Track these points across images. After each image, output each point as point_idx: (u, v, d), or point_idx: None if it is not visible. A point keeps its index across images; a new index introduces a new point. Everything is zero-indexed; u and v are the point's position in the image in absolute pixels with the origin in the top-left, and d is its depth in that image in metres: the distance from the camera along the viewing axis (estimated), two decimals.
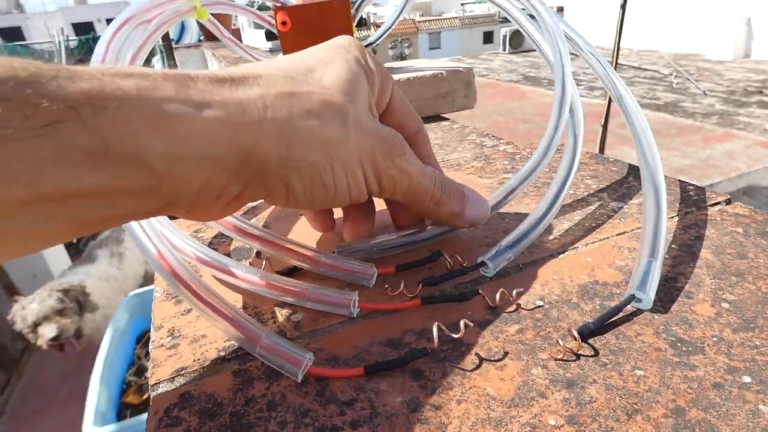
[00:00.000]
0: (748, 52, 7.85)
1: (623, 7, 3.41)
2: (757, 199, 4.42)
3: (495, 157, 0.55)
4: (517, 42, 10.95)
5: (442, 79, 0.74)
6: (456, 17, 24.07)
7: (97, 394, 1.89)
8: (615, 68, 2.83)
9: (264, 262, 0.36)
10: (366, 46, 0.78)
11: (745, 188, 4.41)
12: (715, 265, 0.30)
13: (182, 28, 3.68)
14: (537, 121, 6.04)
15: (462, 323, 0.25)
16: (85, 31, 15.20)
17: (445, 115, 0.76)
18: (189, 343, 0.29)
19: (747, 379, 0.22)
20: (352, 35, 0.73)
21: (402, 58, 22.30)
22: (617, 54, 3.34)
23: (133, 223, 0.31)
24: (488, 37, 23.73)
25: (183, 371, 0.26)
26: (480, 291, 0.29)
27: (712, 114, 5.59)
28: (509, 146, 0.59)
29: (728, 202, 0.39)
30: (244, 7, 0.68)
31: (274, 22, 0.71)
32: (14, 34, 19.86)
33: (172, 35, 3.52)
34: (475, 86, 0.77)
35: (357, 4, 0.75)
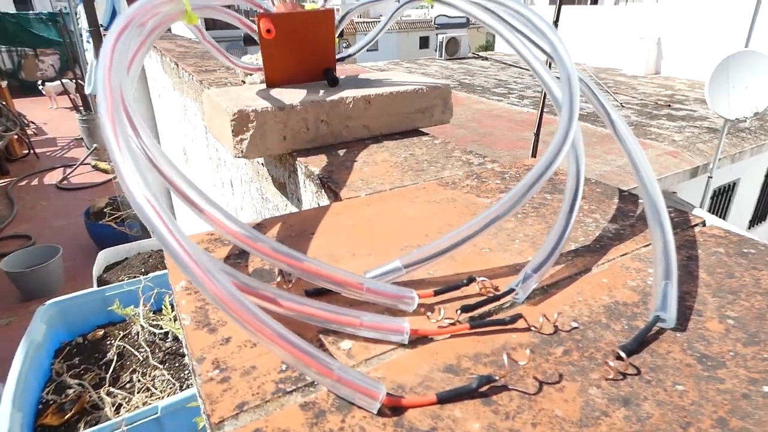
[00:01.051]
0: (658, 69, 8.66)
1: (555, 23, 3.64)
2: (667, 203, 4.91)
3: (486, 175, 0.58)
4: (452, 49, 11.29)
5: (422, 95, 0.76)
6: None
7: (9, 417, 1.68)
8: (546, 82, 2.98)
9: (290, 284, 0.36)
10: (344, 58, 0.78)
11: None
12: (712, 284, 0.35)
13: (113, 13, 3.41)
14: (471, 127, 6.28)
15: (527, 351, 0.27)
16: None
17: (423, 129, 0.79)
18: (240, 375, 0.28)
19: (766, 388, 0.26)
20: (334, 45, 0.73)
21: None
22: (550, 66, 3.56)
23: (176, 246, 0.30)
24: (424, 42, 24.29)
25: (245, 407, 0.26)
26: (522, 315, 0.31)
27: (628, 124, 6.13)
28: (495, 164, 0.62)
29: (704, 224, 0.44)
30: (230, 12, 0.66)
31: (256, 28, 0.70)
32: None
33: (101, 20, 3.26)
34: (452, 102, 0.80)
35: (342, 16, 0.75)
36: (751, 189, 6.40)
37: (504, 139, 5.50)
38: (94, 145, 6.67)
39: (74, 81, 8.05)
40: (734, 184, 6.12)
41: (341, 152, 0.68)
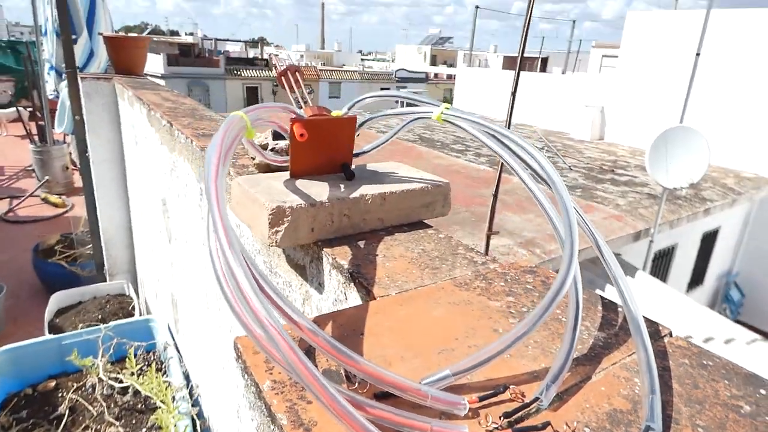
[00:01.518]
0: (602, 135, 9.42)
1: (513, 94, 3.94)
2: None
3: (491, 276, 0.69)
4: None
5: (427, 192, 0.87)
6: (356, 71, 25.36)
7: None
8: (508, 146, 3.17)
9: (355, 386, 0.43)
10: (360, 154, 0.89)
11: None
12: (683, 394, 0.46)
13: (90, 54, 3.43)
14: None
15: None
16: None
17: (427, 222, 0.89)
18: None
19: None
20: (352, 145, 0.84)
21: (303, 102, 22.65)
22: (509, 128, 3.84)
23: (293, 357, 0.37)
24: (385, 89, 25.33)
25: None
26: (550, 423, 0.40)
27: (576, 187, 6.59)
28: (496, 265, 0.73)
29: (671, 334, 0.56)
30: (274, 122, 0.75)
31: (289, 130, 0.79)
32: None
33: (79, 62, 3.26)
34: (451, 198, 0.92)
35: (361, 122, 0.86)
36: (688, 253, 6.95)
37: (462, 194, 5.77)
38: (46, 177, 6.41)
39: (29, 110, 7.78)
40: (673, 248, 6.63)
41: (361, 244, 0.77)
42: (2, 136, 9.34)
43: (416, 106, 0.77)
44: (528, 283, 0.68)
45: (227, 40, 34.04)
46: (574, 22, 10.41)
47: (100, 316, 2.83)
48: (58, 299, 3.00)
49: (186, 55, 23.86)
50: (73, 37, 3.09)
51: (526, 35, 3.46)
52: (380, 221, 0.83)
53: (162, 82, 21.55)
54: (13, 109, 8.81)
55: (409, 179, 0.89)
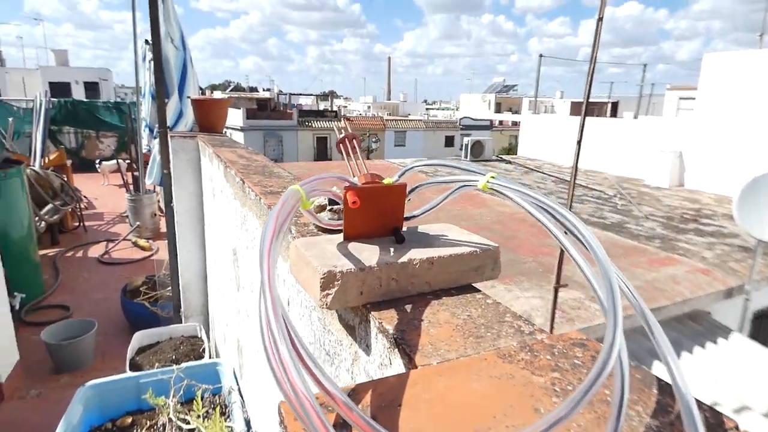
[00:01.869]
0: (682, 182, 8.82)
1: (579, 142, 3.86)
2: (702, 325, 4.76)
3: (537, 348, 0.68)
4: (477, 151, 11.82)
5: (476, 256, 0.88)
6: (421, 120, 26.09)
7: None
8: (573, 190, 3.13)
9: None
10: (410, 218, 0.92)
11: (690, 313, 4.76)
12: None
13: (179, 114, 3.84)
14: (496, 230, 6.43)
15: None
16: (63, 92, 15.34)
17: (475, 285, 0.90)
18: None
19: None
20: (403, 210, 0.88)
21: (369, 151, 23.54)
22: (575, 178, 3.71)
23: None
24: (449, 141, 25.66)
25: None
26: None
27: (654, 237, 6.17)
28: (543, 335, 0.72)
29: (737, 428, 0.52)
30: (327, 191, 0.81)
31: (342, 197, 0.85)
32: None
33: (169, 122, 3.66)
34: (500, 262, 0.92)
35: (411, 189, 0.90)
36: None
37: (528, 243, 5.58)
38: (137, 223, 7.06)
39: (127, 162, 8.74)
40: None
41: (408, 307, 0.79)
42: (104, 185, 10.53)
43: (463, 174, 0.80)
44: (576, 358, 0.66)
45: (300, 94, 36.57)
46: (645, 65, 10.10)
47: (173, 357, 3.01)
48: (139, 338, 3.24)
49: (263, 109, 25.87)
50: (166, 100, 3.49)
51: (591, 81, 3.42)
52: (428, 285, 0.84)
53: (241, 133, 23.46)
54: (115, 161, 9.97)
55: (458, 242, 0.91)
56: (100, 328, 4.23)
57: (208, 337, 3.36)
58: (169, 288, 4.19)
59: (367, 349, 0.79)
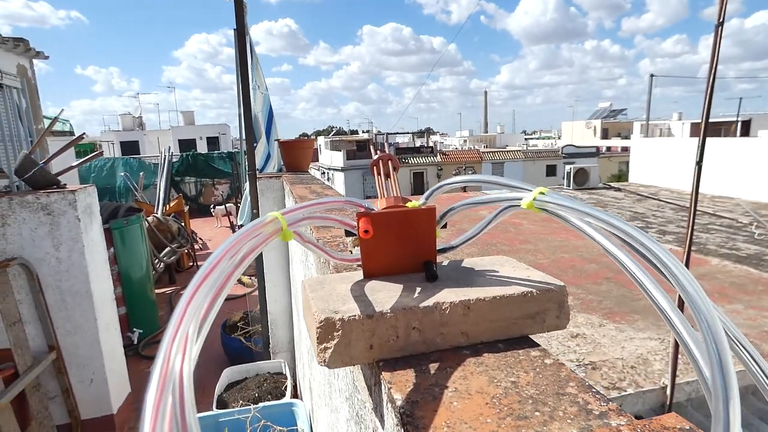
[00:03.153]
0: None
1: (699, 164, 3.33)
2: None
3: None
4: (581, 179, 11.01)
5: (531, 299, 0.67)
6: (519, 150, 25.16)
7: None
8: (692, 218, 2.60)
9: None
10: (446, 249, 0.74)
11: None
12: None
13: (267, 157, 4.03)
14: (603, 262, 5.74)
15: None
16: (189, 147, 17.56)
17: (532, 337, 0.68)
18: None
19: None
20: (434, 240, 0.70)
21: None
22: (695, 203, 3.19)
23: None
24: (551, 170, 24.32)
25: None
26: None
27: None
28: (622, 419, 0.48)
29: None
30: (328, 217, 0.68)
31: (356, 225, 0.70)
32: (132, 147, 23.60)
33: (258, 165, 3.85)
34: (568, 306, 0.69)
35: (444, 212, 0.73)
36: None
37: None
38: None
39: (236, 204, 9.50)
40: None
41: (432, 367, 0.60)
42: (218, 228, 11.56)
43: (503, 190, 0.61)
44: None
45: (397, 133, 37.64)
46: None
47: (257, 394, 3.00)
48: (228, 375, 3.31)
49: (362, 150, 27.00)
50: (255, 144, 3.69)
51: (711, 94, 2.94)
52: (465, 336, 0.65)
53: (342, 173, 24.58)
54: (224, 206, 10.97)
55: (509, 280, 0.70)
56: (201, 362, 4.45)
57: (293, 375, 3.33)
58: (261, 323, 4.31)
59: (382, 420, 0.61)
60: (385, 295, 0.67)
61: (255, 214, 3.71)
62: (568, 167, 10.87)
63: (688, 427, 0.47)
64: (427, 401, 0.53)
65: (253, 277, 7.46)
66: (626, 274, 0.48)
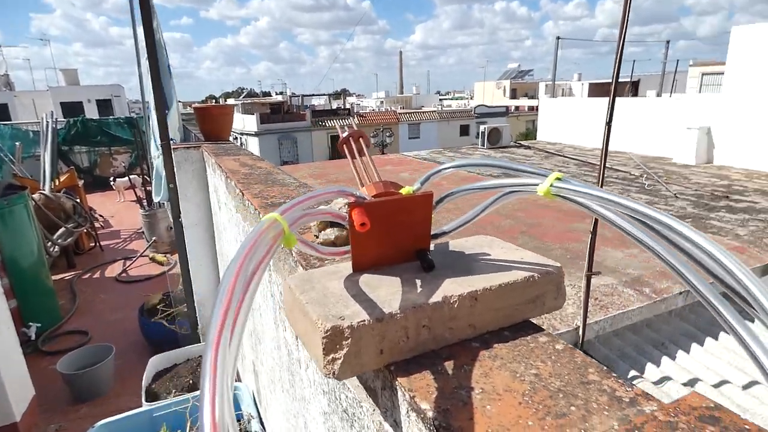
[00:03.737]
0: (710, 158, 8.40)
1: (609, 123, 3.57)
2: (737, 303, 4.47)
3: (650, 431, 0.45)
4: (495, 138, 11.52)
5: (533, 283, 0.65)
6: (435, 111, 25.65)
7: None
8: (603, 172, 2.82)
9: None
10: (439, 235, 0.70)
11: (723, 292, 4.47)
12: None
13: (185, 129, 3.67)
14: (518, 217, 6.14)
15: None
16: (75, 112, 15.41)
17: (534, 321, 0.67)
18: None
19: None
20: (429, 227, 0.65)
21: (383, 146, 23.24)
22: (605, 160, 3.46)
23: None
24: (464, 130, 25.17)
25: None
26: None
27: (685, 217, 5.80)
28: (652, 403, 0.49)
29: None
30: (325, 212, 0.60)
31: (347, 217, 0.63)
32: (0, 111, 19.70)
33: (172, 134, 3.50)
34: (565, 286, 0.69)
35: (440, 197, 0.68)
36: None
37: (553, 230, 5.28)
38: (153, 238, 6.98)
39: (141, 176, 8.68)
40: None
41: (448, 366, 0.57)
42: (120, 202, 10.52)
43: (514, 176, 0.57)
44: None
45: (312, 94, 36.30)
46: (668, 42, 9.61)
47: (191, 381, 2.84)
48: (155, 363, 3.08)
49: (276, 113, 25.80)
50: (166, 111, 3.32)
51: (621, 59, 3.13)
52: (472, 328, 0.62)
53: (256, 138, 23.41)
54: (127, 178, 9.96)
55: (506, 264, 0.68)
56: (119, 351, 4.11)
57: None
58: (185, 304, 4.05)
59: (396, 426, 0.57)
60: (386, 291, 0.61)
61: (173, 189, 3.40)
62: (482, 127, 11.30)
63: (712, 405, 0.48)
64: (458, 408, 0.50)
65: (168, 255, 6.97)
66: (661, 263, 0.47)
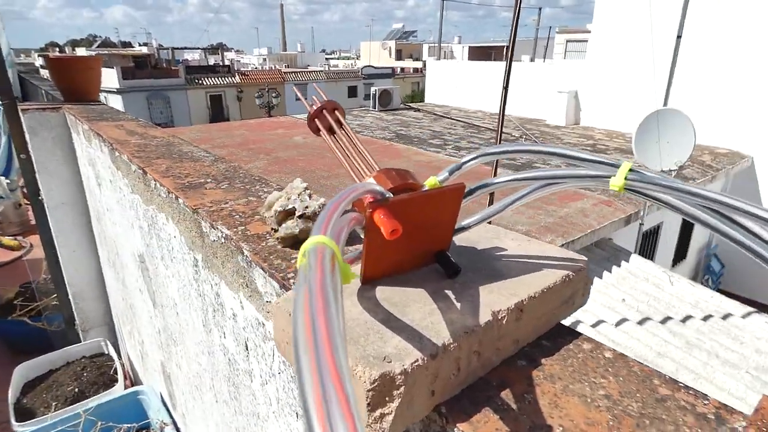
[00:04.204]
0: (577, 120, 9.37)
1: (505, 88, 3.70)
2: (606, 251, 5.14)
3: None
4: (385, 100, 11.53)
5: (569, 283, 0.58)
6: (322, 71, 24.77)
7: None
8: (501, 134, 2.96)
9: None
10: (458, 231, 0.59)
11: (597, 241, 5.10)
12: None
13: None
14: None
15: None
16: None
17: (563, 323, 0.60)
18: None
19: None
20: (453, 228, 0.54)
21: (269, 107, 21.96)
22: (502, 124, 3.62)
23: None
24: (352, 92, 24.81)
25: None
26: None
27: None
28: (737, 417, 0.44)
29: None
30: (356, 219, 0.45)
31: (365, 219, 0.49)
32: None
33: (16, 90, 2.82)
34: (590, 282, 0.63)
35: (473, 189, 0.56)
36: (672, 231, 6.96)
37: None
38: None
39: None
40: (659, 227, 6.62)
41: (507, 398, 0.47)
42: None
43: (573, 165, 0.48)
44: None
45: (185, 48, 32.63)
46: (540, 9, 10.28)
47: (77, 389, 2.42)
48: (23, 372, 2.57)
49: (142, 67, 22.78)
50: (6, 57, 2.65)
51: (516, 28, 3.22)
52: (515, 344, 0.53)
53: (118, 97, 20.50)
54: None
55: (534, 262, 0.60)
56: None
57: (119, 353, 2.79)
58: (55, 296, 3.44)
59: None
60: (419, 311, 0.49)
61: (25, 161, 2.78)
62: (373, 89, 11.21)
63: None
64: None
65: (20, 238, 5.88)
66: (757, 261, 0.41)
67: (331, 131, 0.67)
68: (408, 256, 0.55)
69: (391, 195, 0.49)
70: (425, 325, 0.47)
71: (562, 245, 3.52)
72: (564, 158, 0.49)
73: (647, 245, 6.35)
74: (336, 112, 0.68)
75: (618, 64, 8.25)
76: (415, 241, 0.54)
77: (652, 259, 6.10)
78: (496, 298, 0.52)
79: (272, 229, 0.81)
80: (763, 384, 3.29)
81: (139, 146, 1.61)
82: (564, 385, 0.49)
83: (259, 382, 0.90)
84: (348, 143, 0.64)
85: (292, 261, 0.75)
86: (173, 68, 22.86)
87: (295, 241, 0.80)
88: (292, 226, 0.78)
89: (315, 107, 0.67)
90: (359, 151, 0.62)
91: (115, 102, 19.68)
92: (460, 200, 0.53)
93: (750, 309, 4.34)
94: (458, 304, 0.51)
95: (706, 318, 4.19)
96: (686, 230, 7.08)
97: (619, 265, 4.68)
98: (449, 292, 0.53)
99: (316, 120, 0.67)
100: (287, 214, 0.80)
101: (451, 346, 0.45)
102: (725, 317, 4.26)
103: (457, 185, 0.52)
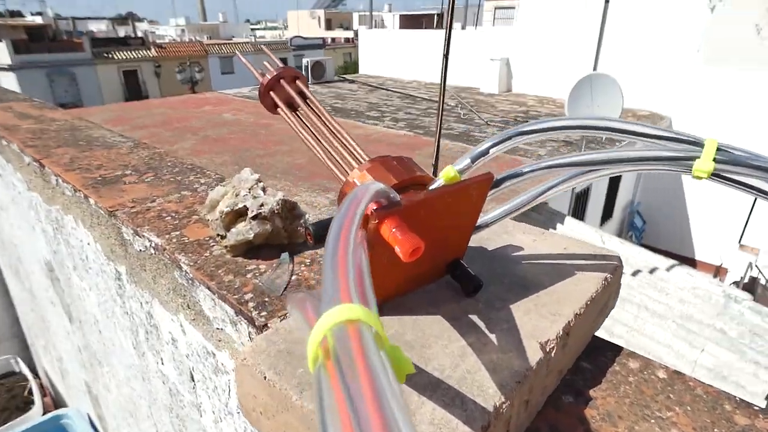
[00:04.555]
0: (510, 87, 9.55)
1: (446, 56, 3.62)
2: (543, 215, 5.32)
3: None
4: (318, 73, 11.13)
5: (607, 287, 0.47)
6: (248, 42, 23.27)
7: None
8: (442, 105, 2.91)
9: None
10: (479, 228, 0.46)
11: (534, 206, 5.31)
12: None
13: None
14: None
15: None
16: None
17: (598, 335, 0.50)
18: None
19: None
20: (472, 230, 0.41)
21: (192, 83, 20.40)
22: (443, 93, 3.56)
23: None
24: (283, 64, 23.61)
25: None
26: None
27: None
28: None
29: None
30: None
31: (371, 233, 0.34)
32: None
33: None
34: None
35: (502, 177, 0.42)
36: (600, 191, 7.39)
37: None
38: None
39: None
40: (589, 187, 6.97)
41: None
42: None
43: (642, 145, 0.36)
44: None
45: (88, 18, 29.30)
46: None
47: None
48: None
49: (38, 40, 20.22)
50: None
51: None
52: (558, 375, 0.41)
53: (11, 74, 18.15)
54: None
55: (561, 263, 0.48)
56: None
57: (35, 373, 2.44)
58: None
59: None
60: (445, 352, 0.36)
61: None
62: (305, 60, 10.73)
63: None
64: None
65: None
66: None
67: (292, 107, 0.51)
68: (415, 273, 0.41)
69: (399, 196, 0.35)
70: (460, 376, 0.34)
71: (504, 214, 3.55)
72: (621, 134, 0.37)
73: (579, 206, 6.68)
74: (298, 81, 0.52)
75: (547, 31, 8.43)
76: (426, 254, 0.41)
77: (583, 220, 6.43)
78: (536, 322, 0.39)
79: (218, 235, 0.64)
80: (687, 331, 3.55)
81: (33, 132, 1.32)
82: (628, 426, 0.38)
83: (212, 418, 0.74)
84: (318, 121, 0.48)
85: (248, 276, 0.59)
86: (76, 40, 20.52)
87: (249, 248, 0.63)
88: (244, 231, 0.61)
89: (269, 77, 0.50)
90: (335, 131, 0.47)
91: (8, 81, 17.43)
92: (485, 196, 0.40)
93: (673, 262, 4.67)
94: (492, 336, 0.38)
95: (635, 273, 4.46)
96: (613, 189, 7.53)
97: (555, 228, 4.85)
98: (475, 318, 0.40)
99: (271, 93, 0.50)
100: (237, 215, 0.63)
101: (504, 406, 0.32)
102: (652, 271, 4.55)
103: (483, 177, 0.38)
